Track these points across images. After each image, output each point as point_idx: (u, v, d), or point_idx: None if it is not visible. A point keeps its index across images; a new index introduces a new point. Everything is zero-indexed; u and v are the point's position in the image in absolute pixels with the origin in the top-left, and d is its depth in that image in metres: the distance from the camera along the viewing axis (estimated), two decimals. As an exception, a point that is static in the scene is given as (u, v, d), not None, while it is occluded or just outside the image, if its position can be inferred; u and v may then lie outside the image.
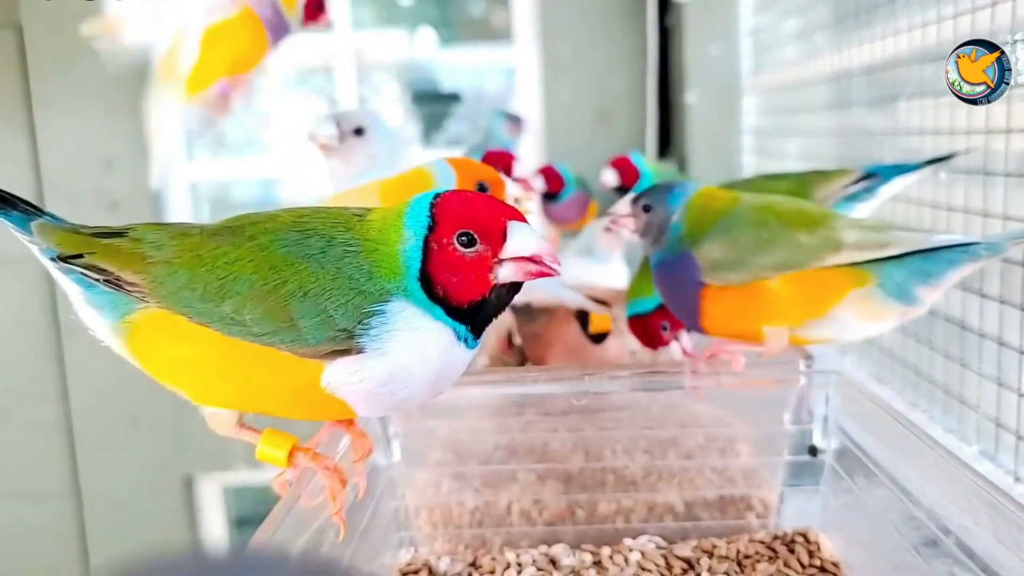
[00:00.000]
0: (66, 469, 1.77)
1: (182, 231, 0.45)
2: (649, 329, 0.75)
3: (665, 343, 0.75)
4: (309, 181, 1.96)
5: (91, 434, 1.76)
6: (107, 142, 1.73)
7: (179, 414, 1.74)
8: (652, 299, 0.73)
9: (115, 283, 0.44)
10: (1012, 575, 0.42)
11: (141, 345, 0.44)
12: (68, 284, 0.46)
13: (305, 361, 0.40)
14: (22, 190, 1.75)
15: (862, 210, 0.73)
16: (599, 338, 0.81)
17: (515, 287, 0.42)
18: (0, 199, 0.47)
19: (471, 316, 0.41)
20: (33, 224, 0.47)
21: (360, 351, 0.40)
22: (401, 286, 0.40)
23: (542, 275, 0.40)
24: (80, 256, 0.45)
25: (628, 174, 1.13)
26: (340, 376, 0.40)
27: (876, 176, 0.72)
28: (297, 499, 0.47)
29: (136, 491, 1.77)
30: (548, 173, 1.26)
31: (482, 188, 0.57)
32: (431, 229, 0.40)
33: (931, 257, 0.55)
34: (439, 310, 0.41)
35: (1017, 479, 0.64)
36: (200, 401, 0.45)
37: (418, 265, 0.40)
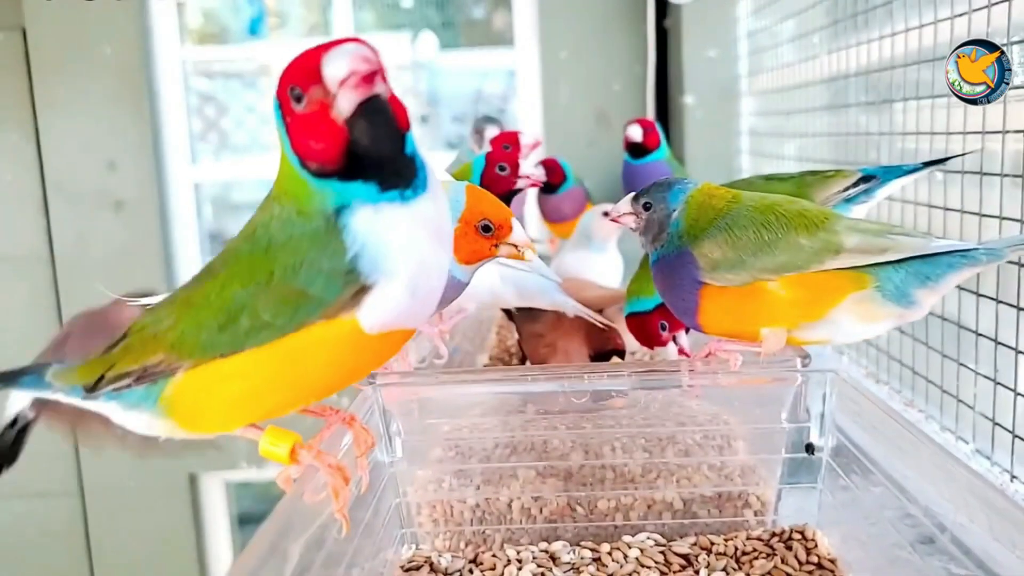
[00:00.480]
0: (70, 467, 1.77)
1: (169, 300, 0.46)
2: (647, 328, 0.76)
3: (663, 343, 0.75)
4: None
5: (94, 434, 1.77)
6: (110, 142, 1.74)
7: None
8: (652, 298, 0.74)
9: (144, 376, 0.45)
10: (1007, 572, 0.42)
11: (188, 409, 0.45)
12: (104, 408, 0.47)
13: (339, 321, 0.41)
14: (26, 191, 1.77)
15: (858, 211, 0.73)
16: (605, 356, 0.80)
17: (381, 108, 0.38)
18: (9, 377, 0.49)
19: (373, 169, 0.39)
20: (48, 375, 0.48)
21: (372, 285, 0.40)
22: (309, 191, 0.40)
23: (372, 73, 0.37)
24: (102, 378, 0.46)
25: (651, 135, 1.18)
26: (374, 314, 0.41)
27: (874, 178, 0.73)
28: (300, 496, 0.48)
29: (139, 489, 1.78)
30: (549, 164, 1.27)
31: (486, 227, 0.58)
32: (280, 107, 0.40)
33: (930, 261, 0.54)
34: (341, 182, 0.39)
35: (1013, 477, 0.65)
36: (268, 417, 0.46)
37: (292, 152, 0.40)
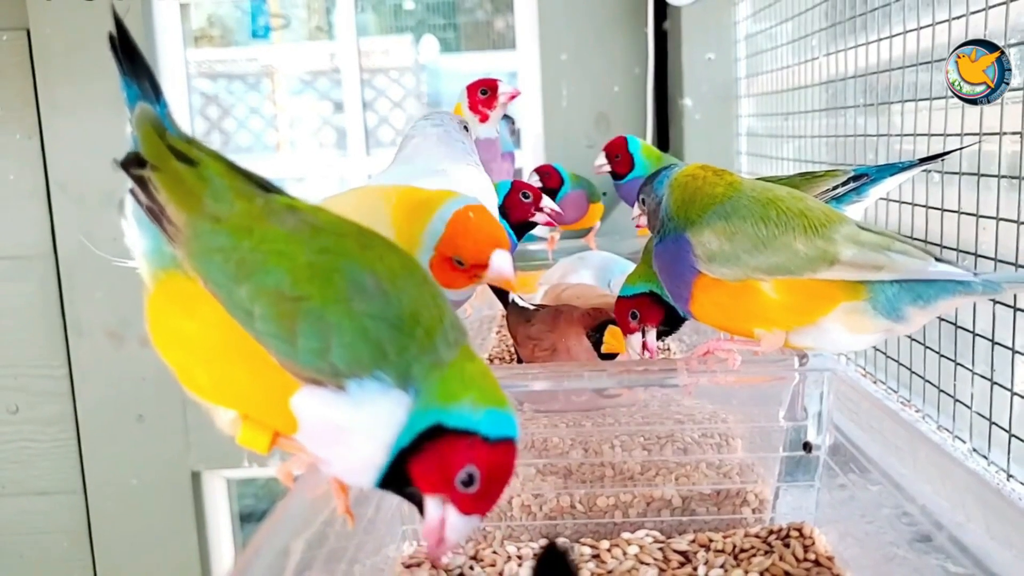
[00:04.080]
0: (73, 465, 1.78)
1: (249, 194, 0.40)
2: (619, 312, 0.72)
3: (630, 331, 0.72)
4: (315, 183, 1.97)
5: (98, 431, 1.77)
6: (114, 143, 1.75)
7: (184, 411, 1.76)
8: (633, 287, 0.71)
9: (155, 214, 0.39)
10: (1004, 570, 0.42)
11: (155, 304, 0.41)
12: (128, 225, 0.43)
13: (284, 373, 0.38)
14: (29, 191, 1.78)
15: (852, 211, 0.73)
16: (611, 356, 0.77)
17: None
18: (137, 68, 0.41)
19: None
20: (138, 105, 0.41)
21: (341, 388, 0.37)
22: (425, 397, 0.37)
23: None
24: (144, 166, 0.39)
25: (620, 163, 1.17)
26: (310, 403, 0.38)
27: (865, 176, 0.72)
28: (302, 493, 0.48)
29: (142, 486, 1.78)
30: (545, 170, 1.28)
31: (459, 262, 0.56)
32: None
33: (926, 280, 0.54)
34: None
35: (1010, 476, 0.65)
36: (183, 384, 0.41)
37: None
